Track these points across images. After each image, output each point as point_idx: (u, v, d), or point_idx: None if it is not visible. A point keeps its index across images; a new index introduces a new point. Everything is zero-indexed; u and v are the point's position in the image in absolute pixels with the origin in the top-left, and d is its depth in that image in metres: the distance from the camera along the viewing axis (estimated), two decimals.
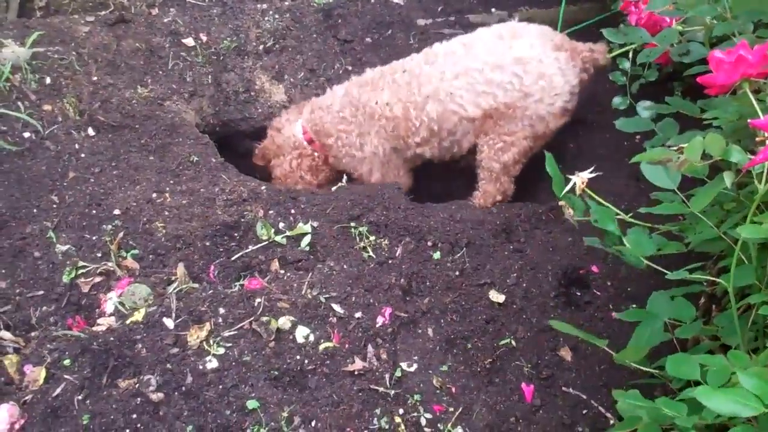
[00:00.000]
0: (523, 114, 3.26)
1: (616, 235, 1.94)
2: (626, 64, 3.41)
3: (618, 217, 1.96)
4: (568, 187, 1.89)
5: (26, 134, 3.04)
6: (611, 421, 2.34)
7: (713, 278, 1.83)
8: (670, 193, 1.98)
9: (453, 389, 2.42)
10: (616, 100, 3.47)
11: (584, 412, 2.40)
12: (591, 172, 1.87)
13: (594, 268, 2.80)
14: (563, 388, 2.45)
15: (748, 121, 1.59)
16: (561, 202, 2.00)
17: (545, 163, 2.04)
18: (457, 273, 2.78)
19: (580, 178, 1.86)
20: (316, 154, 3.75)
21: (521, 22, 3.42)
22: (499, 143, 3.39)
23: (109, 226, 2.80)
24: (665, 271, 1.83)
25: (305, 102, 3.86)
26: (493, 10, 4.37)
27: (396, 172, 3.71)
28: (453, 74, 3.29)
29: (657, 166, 1.87)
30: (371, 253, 2.81)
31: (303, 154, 3.75)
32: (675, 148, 1.73)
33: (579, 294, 2.76)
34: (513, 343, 2.55)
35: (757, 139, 1.63)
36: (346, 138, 3.59)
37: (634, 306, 2.63)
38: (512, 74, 3.19)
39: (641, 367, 1.89)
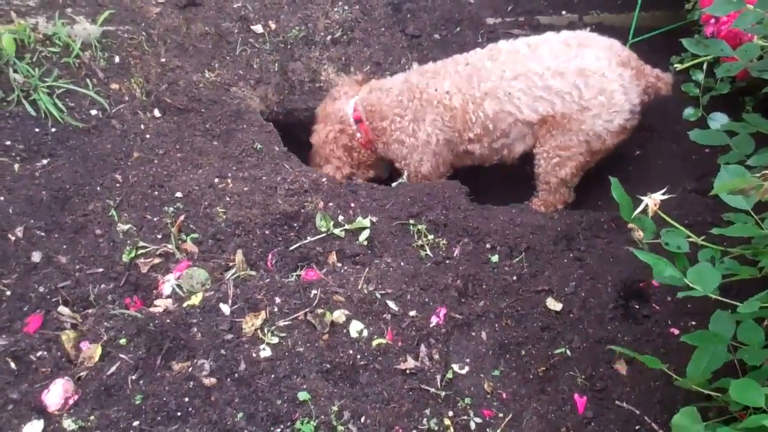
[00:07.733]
0: (579, 128, 3.20)
1: (686, 261, 1.88)
2: (699, 76, 3.34)
3: (689, 239, 1.91)
4: (639, 209, 1.84)
5: (93, 112, 3.06)
6: None
7: None
8: (743, 214, 1.93)
9: (504, 395, 2.39)
10: (688, 111, 3.40)
11: (637, 428, 2.35)
12: (663, 194, 1.82)
13: (654, 282, 2.74)
14: (617, 402, 2.40)
15: None
16: (630, 225, 1.95)
17: (611, 187, 1.99)
18: (515, 278, 2.74)
19: (652, 200, 1.80)
20: (358, 134, 3.70)
21: (590, 26, 3.35)
22: (555, 158, 3.35)
23: (171, 209, 2.83)
24: (736, 303, 1.77)
25: (366, 80, 3.84)
26: (563, 12, 4.31)
27: (445, 169, 3.66)
28: (513, 74, 3.23)
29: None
30: (428, 252, 2.80)
31: (344, 131, 3.70)
32: (759, 174, 1.67)
33: (638, 307, 2.71)
34: (568, 352, 2.52)
35: None
36: (400, 122, 3.54)
37: (693, 323, 2.58)
38: (572, 84, 3.14)
39: (700, 389, 1.85)
